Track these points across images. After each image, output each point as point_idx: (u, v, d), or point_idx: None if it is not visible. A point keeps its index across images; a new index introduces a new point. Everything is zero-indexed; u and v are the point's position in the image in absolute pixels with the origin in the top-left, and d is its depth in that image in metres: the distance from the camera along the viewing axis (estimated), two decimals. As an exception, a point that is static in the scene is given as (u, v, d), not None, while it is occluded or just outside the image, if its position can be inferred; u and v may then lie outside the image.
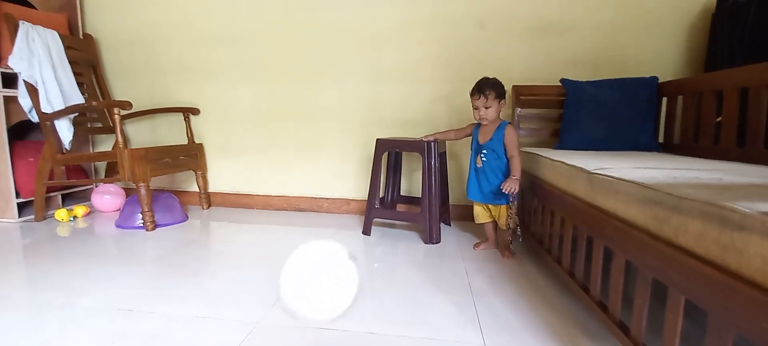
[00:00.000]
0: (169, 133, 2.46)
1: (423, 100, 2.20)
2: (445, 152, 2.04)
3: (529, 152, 1.71)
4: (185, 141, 2.34)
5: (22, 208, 2.06)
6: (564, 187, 1.25)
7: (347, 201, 2.35)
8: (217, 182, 2.46)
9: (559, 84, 1.89)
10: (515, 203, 1.53)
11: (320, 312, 1.11)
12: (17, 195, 2.02)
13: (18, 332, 1.01)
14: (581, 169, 1.11)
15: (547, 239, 1.41)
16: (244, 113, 2.37)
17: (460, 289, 1.33)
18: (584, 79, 1.86)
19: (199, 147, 2.36)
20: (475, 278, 1.42)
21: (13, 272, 1.42)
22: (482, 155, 1.60)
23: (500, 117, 1.60)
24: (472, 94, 1.57)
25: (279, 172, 2.39)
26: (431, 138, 1.76)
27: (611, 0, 1.97)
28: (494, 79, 1.56)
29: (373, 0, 2.16)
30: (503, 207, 1.60)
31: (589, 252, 1.06)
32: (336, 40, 2.22)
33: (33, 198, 2.05)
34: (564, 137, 1.77)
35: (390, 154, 2.08)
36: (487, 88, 1.52)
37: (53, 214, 2.10)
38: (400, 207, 2.22)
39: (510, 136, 1.54)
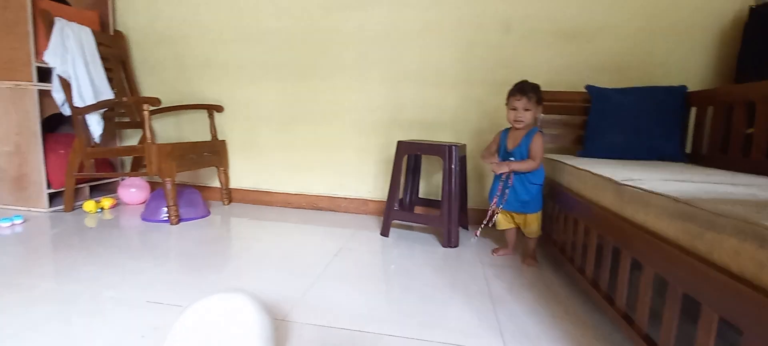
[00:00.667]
0: (192, 129, 2.51)
1: (444, 103, 2.20)
2: (465, 156, 2.04)
3: (551, 159, 1.69)
4: (208, 137, 2.39)
5: (52, 198, 2.13)
6: (589, 196, 1.24)
7: (365, 202, 2.36)
8: (238, 179, 2.51)
9: (584, 90, 1.87)
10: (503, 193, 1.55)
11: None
12: (48, 186, 2.10)
13: (49, 323, 1.05)
14: (609, 179, 1.10)
15: (569, 247, 1.40)
16: (267, 112, 2.41)
17: (480, 294, 1.33)
18: (610, 87, 1.83)
19: (222, 144, 2.41)
20: (495, 284, 1.42)
21: (43, 262, 1.48)
22: (510, 160, 1.58)
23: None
24: (512, 95, 1.54)
25: (299, 170, 2.42)
26: (505, 167, 1.55)
27: (640, 7, 1.94)
28: (535, 83, 1.54)
29: (398, 3, 2.17)
30: (530, 215, 1.58)
31: (614, 263, 1.05)
32: (359, 42, 2.24)
33: (63, 189, 2.12)
34: (588, 145, 1.76)
35: (410, 156, 2.09)
36: (529, 90, 1.50)
37: (82, 205, 2.17)
38: (418, 209, 2.22)
39: (537, 142, 1.52)
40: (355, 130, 2.32)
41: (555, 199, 1.58)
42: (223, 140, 2.44)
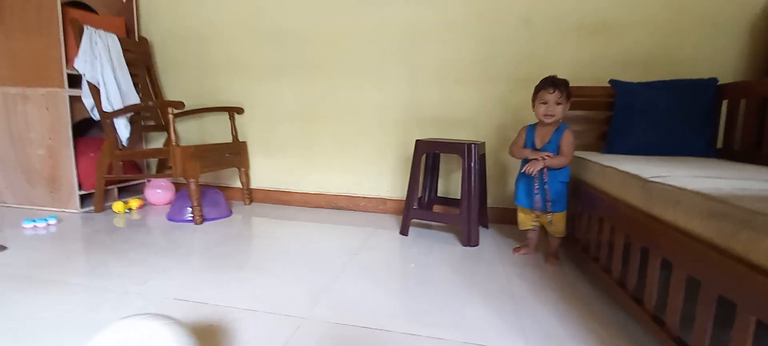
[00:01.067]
0: (215, 130, 2.57)
1: (463, 100, 2.18)
2: (484, 154, 2.01)
3: (575, 156, 1.65)
4: (230, 138, 2.44)
5: (83, 199, 2.22)
6: (615, 194, 1.20)
7: (384, 200, 2.37)
8: (258, 179, 2.55)
9: (608, 85, 1.82)
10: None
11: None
12: (79, 187, 2.18)
13: (81, 317, 1.10)
14: (636, 176, 1.07)
15: (593, 246, 1.37)
16: (286, 112, 2.44)
17: (501, 294, 1.31)
18: (635, 81, 1.78)
19: (243, 145, 2.46)
20: (516, 284, 1.40)
21: (76, 259, 1.54)
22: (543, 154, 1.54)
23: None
24: (543, 88, 1.49)
25: (318, 170, 2.45)
26: (540, 164, 1.48)
27: (668, 0, 1.87)
28: (564, 78, 1.51)
29: (415, 1, 2.15)
30: (556, 215, 1.54)
31: (642, 263, 1.02)
32: (377, 40, 2.24)
33: (93, 190, 2.20)
34: (613, 141, 1.71)
35: (428, 154, 2.08)
36: (561, 83, 1.47)
37: (111, 206, 2.25)
38: (437, 208, 2.21)
39: (569, 137, 1.48)
40: (373, 128, 2.32)
41: (578, 197, 1.54)
42: (244, 141, 2.48)
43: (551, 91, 1.47)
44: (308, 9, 2.30)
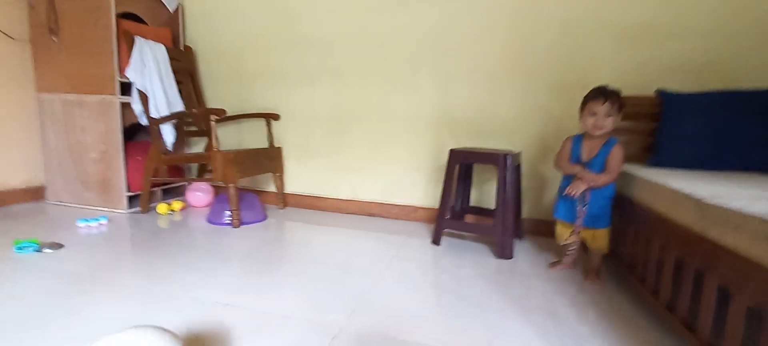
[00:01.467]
0: (252, 135, 2.65)
1: (497, 106, 2.15)
2: (520, 165, 1.97)
3: (618, 169, 1.59)
4: (266, 144, 2.51)
5: (130, 200, 2.35)
6: (665, 212, 1.15)
7: (415, 208, 2.36)
8: (293, 184, 2.61)
9: (653, 95, 1.74)
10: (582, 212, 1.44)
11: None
12: (127, 189, 2.31)
13: (134, 319, 1.16)
14: (689, 195, 1.01)
15: (639, 265, 1.31)
16: (320, 118, 2.48)
17: (539, 310, 1.28)
18: (685, 90, 1.69)
19: (278, 150, 2.52)
20: (555, 301, 1.36)
21: (126, 259, 1.63)
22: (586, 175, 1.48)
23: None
24: (592, 99, 1.43)
25: (351, 176, 2.48)
26: (582, 186, 1.44)
27: (725, 4, 1.77)
28: (615, 88, 1.45)
29: (452, 3, 2.14)
30: (600, 230, 1.49)
31: (695, 286, 0.97)
32: (409, 44, 2.24)
33: (140, 192, 2.33)
34: (660, 153, 1.63)
35: (461, 164, 2.06)
36: (612, 95, 1.41)
37: (155, 207, 2.37)
38: (469, 218, 2.19)
39: (618, 154, 1.42)
40: (405, 135, 2.33)
41: (622, 212, 1.48)
42: (279, 147, 2.55)
43: (602, 103, 1.41)
44: (339, 16, 2.34)
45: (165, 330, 0.83)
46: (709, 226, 0.92)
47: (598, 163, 1.46)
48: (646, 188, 1.29)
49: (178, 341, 0.83)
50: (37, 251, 1.64)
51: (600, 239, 1.49)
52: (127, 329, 0.81)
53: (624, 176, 1.50)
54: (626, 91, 1.85)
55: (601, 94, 1.42)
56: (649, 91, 1.79)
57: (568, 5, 1.97)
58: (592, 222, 1.48)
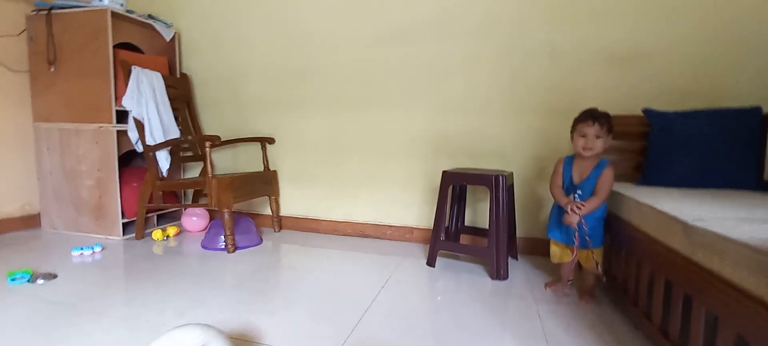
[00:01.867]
0: (247, 159, 2.67)
1: (490, 129, 2.17)
2: (513, 185, 1.99)
3: (608, 189, 1.60)
4: (261, 167, 2.52)
5: (125, 227, 2.35)
6: (653, 234, 1.16)
7: (411, 229, 2.37)
8: (288, 207, 2.62)
9: (640, 114, 1.76)
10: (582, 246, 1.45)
11: None
12: (122, 215, 2.31)
13: (130, 350, 1.15)
14: (675, 219, 1.02)
15: (632, 287, 1.31)
16: (315, 142, 2.51)
17: (533, 333, 1.27)
18: (671, 109, 1.72)
19: (274, 174, 2.54)
20: (549, 323, 1.35)
21: (118, 288, 1.63)
22: (576, 195, 1.50)
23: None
24: (582, 121, 1.46)
25: (346, 199, 2.48)
26: (576, 218, 1.44)
27: (703, 24, 1.82)
28: (605, 111, 1.48)
29: (443, 34, 2.19)
30: (596, 251, 1.48)
31: (685, 310, 0.97)
32: (404, 74, 2.28)
33: (135, 219, 2.32)
34: (649, 172, 1.65)
35: (454, 186, 2.07)
36: (601, 116, 1.44)
37: (150, 233, 2.36)
38: (464, 238, 2.19)
39: (608, 176, 1.43)
40: (400, 158, 2.35)
41: (614, 233, 1.49)
42: (275, 170, 2.56)
43: (591, 124, 1.43)
44: (334, 46, 2.39)
45: (209, 326, 0.93)
46: (695, 250, 0.93)
47: (590, 186, 1.47)
48: (635, 210, 1.30)
49: (222, 335, 0.92)
50: (30, 281, 1.63)
51: (590, 259, 1.49)
52: (172, 328, 0.91)
53: (615, 197, 1.52)
54: (613, 111, 1.88)
55: (590, 116, 1.45)
56: (637, 111, 1.82)
57: (556, 33, 2.02)
58: (584, 243, 1.48)
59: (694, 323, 0.90)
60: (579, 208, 1.42)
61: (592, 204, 1.43)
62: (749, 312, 0.72)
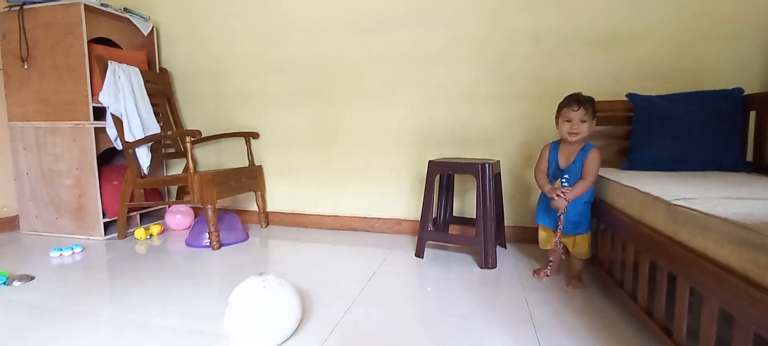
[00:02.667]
0: (231, 155, 2.62)
1: (477, 118, 2.16)
2: (499, 173, 1.98)
3: (594, 174, 1.60)
4: (246, 163, 2.48)
5: (107, 227, 2.29)
6: (637, 216, 1.15)
7: (399, 221, 2.35)
8: (274, 202, 2.58)
9: (625, 99, 1.77)
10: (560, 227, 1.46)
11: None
12: (103, 215, 2.25)
13: (108, 350, 1.11)
14: (659, 198, 1.02)
15: (618, 270, 1.31)
16: (300, 136, 2.47)
17: (521, 321, 1.27)
18: (654, 93, 1.72)
19: (259, 169, 2.49)
20: (538, 309, 1.35)
21: (99, 289, 1.58)
22: (563, 180, 1.50)
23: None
24: (566, 105, 1.46)
25: (332, 192, 2.46)
26: (564, 203, 1.44)
27: (684, 6, 1.82)
28: (589, 95, 1.48)
29: (424, 22, 2.17)
30: (580, 236, 1.49)
31: (670, 290, 0.97)
32: (387, 63, 2.26)
33: (116, 218, 2.27)
34: (633, 156, 1.65)
35: (442, 174, 2.06)
36: (585, 101, 1.44)
37: (133, 232, 2.31)
38: (453, 228, 2.18)
39: (594, 159, 1.44)
40: (387, 149, 2.32)
41: (600, 217, 1.49)
42: (260, 165, 2.52)
43: (575, 109, 1.43)
44: (317, 39, 2.35)
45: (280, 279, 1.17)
46: (678, 229, 0.93)
47: (576, 170, 1.47)
48: (620, 193, 1.30)
49: (291, 287, 1.17)
50: (6, 284, 1.58)
51: (580, 244, 1.49)
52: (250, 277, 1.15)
53: (600, 181, 1.51)
54: (599, 97, 1.89)
55: (574, 101, 1.45)
56: (622, 96, 1.82)
57: (537, 19, 2.00)
58: (572, 229, 1.48)
59: (678, 301, 0.90)
60: (564, 192, 1.42)
61: (580, 188, 1.43)
62: (732, 286, 0.72)
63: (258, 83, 2.50)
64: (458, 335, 1.18)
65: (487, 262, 1.75)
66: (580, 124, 1.44)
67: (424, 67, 2.20)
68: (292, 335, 1.15)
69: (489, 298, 1.45)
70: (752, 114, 1.61)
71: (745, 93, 1.58)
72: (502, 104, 2.11)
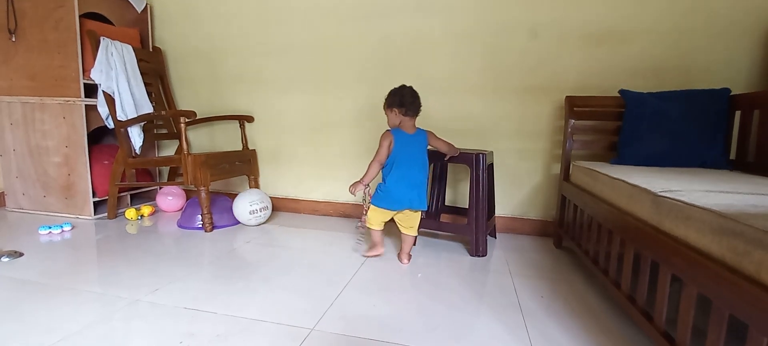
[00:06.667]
0: (225, 138, 2.61)
1: (471, 109, 2.18)
2: (492, 164, 2.01)
3: (584, 167, 1.64)
4: (240, 147, 2.47)
5: (97, 206, 2.26)
6: (624, 207, 1.19)
7: (391, 209, 2.37)
8: (267, 187, 2.58)
9: (617, 95, 1.80)
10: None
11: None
12: (93, 194, 2.23)
13: (93, 327, 1.12)
14: (646, 190, 1.06)
15: (602, 259, 1.35)
16: (294, 121, 2.46)
17: (509, 307, 1.30)
18: (646, 90, 1.76)
19: (253, 153, 2.49)
20: (525, 296, 1.39)
21: (88, 267, 1.57)
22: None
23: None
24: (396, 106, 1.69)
25: (326, 178, 2.46)
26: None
27: (676, 6, 1.85)
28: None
29: (421, 11, 2.17)
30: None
31: (652, 277, 1.01)
32: (384, 51, 2.26)
33: (107, 197, 2.25)
34: (623, 152, 1.69)
35: (435, 164, 2.08)
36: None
37: (124, 212, 2.29)
38: (445, 217, 2.21)
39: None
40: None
41: (588, 208, 1.53)
42: (254, 149, 2.51)
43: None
44: (315, 23, 2.33)
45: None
46: (663, 218, 0.96)
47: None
48: (608, 185, 1.34)
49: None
50: (-7, 260, 1.56)
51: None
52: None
53: (589, 174, 1.55)
54: (592, 92, 1.93)
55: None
56: (614, 92, 1.85)
57: (533, 13, 2.02)
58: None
59: (660, 287, 0.94)
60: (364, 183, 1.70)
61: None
62: (710, 272, 0.75)
63: (253, 66, 2.48)
64: (448, 319, 1.21)
65: (477, 250, 1.78)
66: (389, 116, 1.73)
67: (420, 56, 2.21)
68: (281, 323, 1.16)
69: (478, 284, 1.49)
70: (737, 114, 1.66)
71: (731, 93, 1.63)
72: (497, 96, 2.13)
